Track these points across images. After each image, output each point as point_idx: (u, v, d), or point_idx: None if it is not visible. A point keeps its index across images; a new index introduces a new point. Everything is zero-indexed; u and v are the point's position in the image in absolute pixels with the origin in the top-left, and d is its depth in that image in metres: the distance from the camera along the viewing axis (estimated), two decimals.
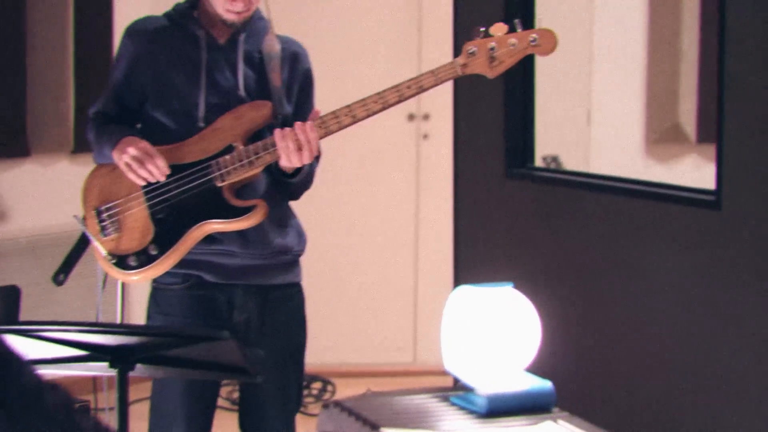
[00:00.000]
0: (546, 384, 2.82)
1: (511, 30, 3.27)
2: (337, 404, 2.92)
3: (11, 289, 4.07)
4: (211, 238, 3.32)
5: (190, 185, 3.29)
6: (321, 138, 3.26)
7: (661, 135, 6.15)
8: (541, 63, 4.39)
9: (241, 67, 3.36)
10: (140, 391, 4.69)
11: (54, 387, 1.61)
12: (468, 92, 4.61)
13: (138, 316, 4.27)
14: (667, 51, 6.08)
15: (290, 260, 3.46)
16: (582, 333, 4.13)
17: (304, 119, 3.30)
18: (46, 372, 2.31)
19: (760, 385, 3.54)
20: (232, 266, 3.37)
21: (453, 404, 2.86)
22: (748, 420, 3.58)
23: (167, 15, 3.45)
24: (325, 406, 2.96)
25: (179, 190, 3.30)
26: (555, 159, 5.80)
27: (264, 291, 3.41)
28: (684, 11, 6.04)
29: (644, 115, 6.17)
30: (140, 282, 3.37)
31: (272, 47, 3.38)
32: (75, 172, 3.42)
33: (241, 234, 3.33)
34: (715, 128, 3.69)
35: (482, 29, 3.25)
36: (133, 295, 5.28)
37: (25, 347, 2.64)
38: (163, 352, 2.79)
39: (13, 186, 5.60)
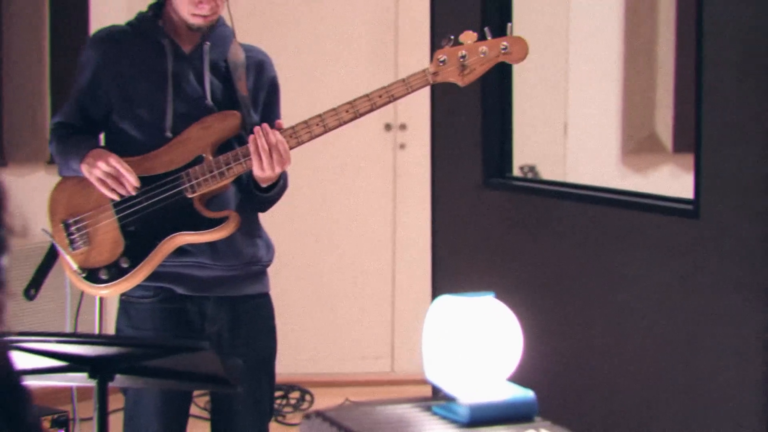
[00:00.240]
0: (528, 393, 2.82)
1: (481, 38, 3.27)
2: (319, 414, 2.90)
3: None
4: (181, 250, 3.30)
5: (161, 197, 3.27)
6: (292, 148, 3.25)
7: (638, 144, 6.17)
8: (517, 72, 4.39)
9: (208, 76, 3.34)
10: (119, 401, 4.66)
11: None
12: (445, 102, 4.61)
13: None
14: (643, 61, 6.11)
15: (259, 270, 3.45)
16: (562, 342, 4.13)
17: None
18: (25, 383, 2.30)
19: (739, 394, 3.55)
20: (204, 278, 3.36)
21: (435, 414, 2.86)
22: (727, 428, 3.59)
23: (130, 24, 3.41)
24: (307, 416, 2.95)
25: (149, 202, 3.27)
26: (532, 169, 5.82)
27: (234, 302, 3.40)
28: (660, 21, 6.06)
29: (620, 124, 6.19)
30: (110, 296, 3.35)
31: (237, 56, 3.37)
32: (52, 183, 3.39)
33: (211, 246, 3.32)
34: (691, 137, 3.70)
35: (452, 37, 3.25)
36: (110, 305, 5.26)
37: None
38: (142, 363, 2.78)
39: None
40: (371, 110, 3.27)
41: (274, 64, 3.47)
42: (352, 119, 3.27)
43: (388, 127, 6.41)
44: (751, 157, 3.49)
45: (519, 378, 2.83)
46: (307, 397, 6.00)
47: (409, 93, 3.27)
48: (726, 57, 3.54)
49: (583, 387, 4.09)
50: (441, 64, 3.26)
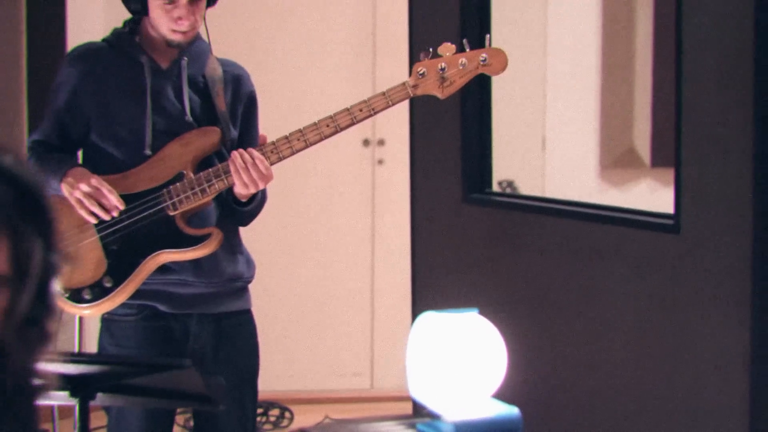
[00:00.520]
0: (513, 410, 2.81)
1: (460, 50, 3.27)
2: None
3: None
4: (164, 268, 3.29)
5: (142, 215, 3.26)
6: (273, 163, 3.25)
7: (616, 159, 6.18)
8: (495, 87, 4.39)
9: (186, 92, 3.32)
10: (100, 419, 4.63)
11: None
12: (424, 117, 4.60)
13: (94, 345, 4.23)
14: (620, 75, 6.12)
15: (241, 287, 3.44)
16: (545, 358, 4.12)
17: (250, 143, 3.29)
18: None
19: (721, 408, 3.55)
20: (187, 295, 3.34)
21: None
22: None
23: (107, 41, 3.38)
24: None
25: (131, 220, 3.25)
26: (510, 184, 5.82)
27: (217, 319, 3.39)
28: (637, 35, 6.08)
29: (598, 139, 6.20)
30: (93, 316, 3.32)
31: (214, 70, 3.35)
32: None
33: (194, 263, 3.30)
34: (669, 152, 3.70)
35: (430, 49, 3.25)
36: (89, 323, 5.23)
37: None
38: (124, 381, 2.76)
39: None
40: (352, 124, 3.26)
41: (251, 78, 3.47)
42: (333, 134, 3.26)
43: (366, 142, 6.40)
44: (731, 171, 3.49)
45: (503, 394, 2.83)
46: (287, 415, 5.97)
47: (389, 106, 3.26)
48: (705, 70, 3.54)
49: (566, 402, 4.09)
50: (420, 76, 3.25)
